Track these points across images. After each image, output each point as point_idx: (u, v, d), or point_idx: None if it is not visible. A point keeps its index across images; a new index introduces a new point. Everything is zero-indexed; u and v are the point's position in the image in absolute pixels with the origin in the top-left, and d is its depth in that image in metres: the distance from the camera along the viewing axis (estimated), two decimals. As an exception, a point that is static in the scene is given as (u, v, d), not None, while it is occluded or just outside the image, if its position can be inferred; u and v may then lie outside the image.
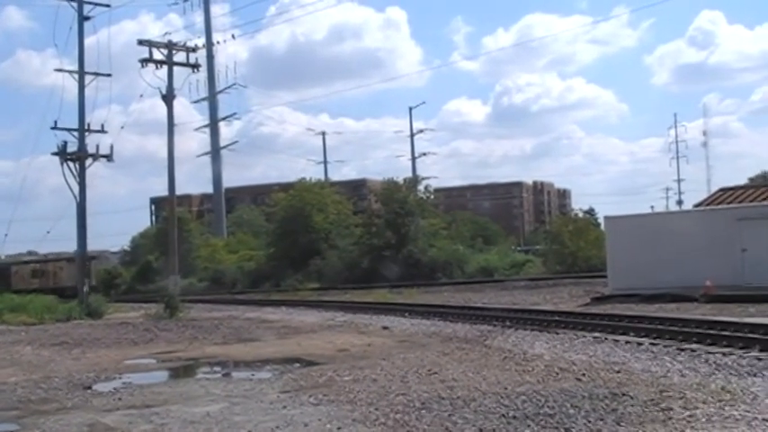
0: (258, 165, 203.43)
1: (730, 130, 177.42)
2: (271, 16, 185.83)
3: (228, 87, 79.20)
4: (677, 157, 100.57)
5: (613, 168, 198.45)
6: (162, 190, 42.51)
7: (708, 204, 35.42)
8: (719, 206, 33.07)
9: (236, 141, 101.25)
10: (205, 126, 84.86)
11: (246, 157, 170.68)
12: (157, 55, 36.80)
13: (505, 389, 12.03)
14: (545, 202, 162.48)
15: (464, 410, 10.56)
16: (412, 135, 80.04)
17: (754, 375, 12.15)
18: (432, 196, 69.06)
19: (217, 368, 18.20)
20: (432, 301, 34.96)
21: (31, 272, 68.90)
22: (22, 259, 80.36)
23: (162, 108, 37.42)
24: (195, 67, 38.37)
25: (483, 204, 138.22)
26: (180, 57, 37.54)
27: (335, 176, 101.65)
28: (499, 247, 71.36)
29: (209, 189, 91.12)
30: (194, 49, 38.62)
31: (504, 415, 10.12)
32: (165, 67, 36.95)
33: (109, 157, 39.23)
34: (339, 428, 9.98)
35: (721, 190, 37.19)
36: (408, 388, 12.57)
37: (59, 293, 58.13)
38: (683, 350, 15.13)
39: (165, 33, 40.33)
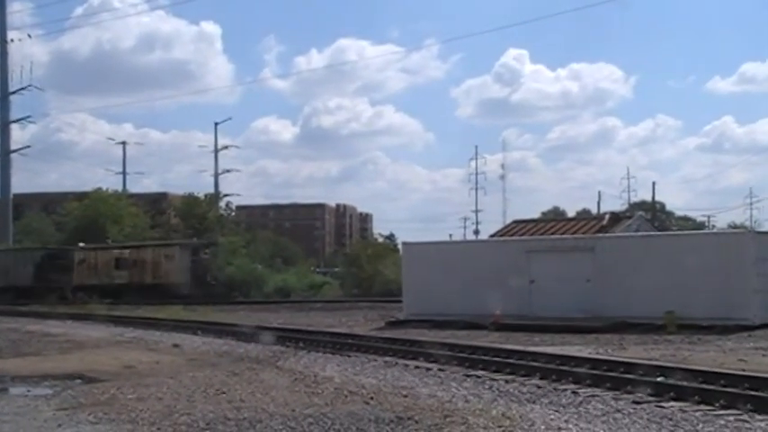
0: (53, 172, 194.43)
1: (527, 164, 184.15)
2: (76, 17, 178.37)
3: (23, 89, 75.34)
4: (476, 188, 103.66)
5: (416, 196, 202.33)
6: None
7: (501, 235, 36.59)
8: (511, 237, 34.27)
9: (29, 146, 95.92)
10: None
11: (40, 164, 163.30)
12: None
13: (293, 411, 11.90)
14: (347, 226, 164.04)
15: (249, 432, 10.36)
16: (216, 151, 79.02)
17: (533, 402, 12.56)
18: (233, 213, 68.57)
19: (-11, 383, 17.12)
20: (226, 319, 34.38)
21: (115, 261, 55.16)
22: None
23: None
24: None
25: (285, 224, 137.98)
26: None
27: (136, 188, 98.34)
28: (298, 268, 71.40)
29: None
30: (-14, 46, 36.57)
31: (289, 437, 9.99)
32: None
33: None
34: (117, 449, 9.55)
35: (515, 222, 38.55)
36: (194, 407, 12.22)
37: (163, 292, 49.87)
38: (469, 376, 15.48)
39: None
